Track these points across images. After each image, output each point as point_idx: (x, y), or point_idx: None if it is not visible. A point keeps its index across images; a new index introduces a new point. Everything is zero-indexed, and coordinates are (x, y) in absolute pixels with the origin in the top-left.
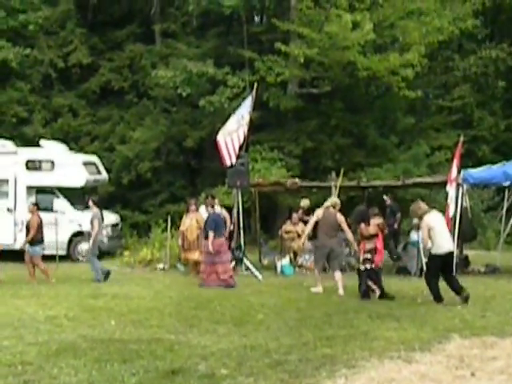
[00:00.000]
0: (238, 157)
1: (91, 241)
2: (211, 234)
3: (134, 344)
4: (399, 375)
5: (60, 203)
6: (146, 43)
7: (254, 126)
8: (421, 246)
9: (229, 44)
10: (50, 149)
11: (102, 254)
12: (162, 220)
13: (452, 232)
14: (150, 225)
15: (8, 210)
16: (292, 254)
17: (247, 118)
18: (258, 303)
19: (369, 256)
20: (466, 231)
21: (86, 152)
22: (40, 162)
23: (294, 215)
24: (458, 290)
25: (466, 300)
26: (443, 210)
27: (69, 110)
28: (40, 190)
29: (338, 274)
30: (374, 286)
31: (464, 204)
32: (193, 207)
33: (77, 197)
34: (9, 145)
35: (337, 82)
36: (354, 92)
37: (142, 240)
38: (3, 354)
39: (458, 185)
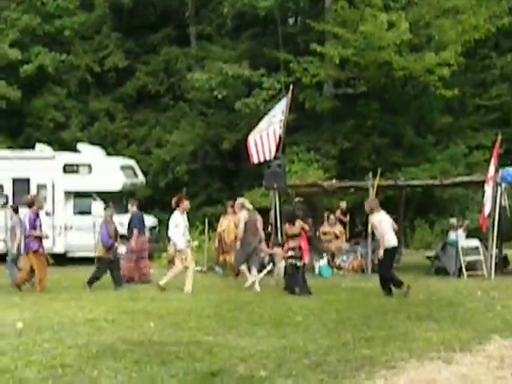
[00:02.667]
0: (265, 158)
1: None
2: (135, 232)
3: (172, 346)
4: (439, 376)
5: (98, 207)
6: (182, 46)
7: (290, 128)
8: (459, 245)
9: (264, 46)
10: (88, 153)
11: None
12: (199, 222)
13: (491, 231)
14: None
15: (46, 213)
16: (330, 255)
17: (279, 117)
18: (296, 305)
19: (292, 253)
20: (505, 230)
21: (123, 156)
22: (77, 166)
23: (332, 216)
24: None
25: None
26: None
27: (105, 114)
28: (78, 194)
29: (254, 271)
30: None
31: (503, 203)
32: (230, 209)
33: (115, 200)
34: (47, 149)
35: (373, 82)
36: (390, 92)
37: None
38: (44, 356)
39: (497, 184)
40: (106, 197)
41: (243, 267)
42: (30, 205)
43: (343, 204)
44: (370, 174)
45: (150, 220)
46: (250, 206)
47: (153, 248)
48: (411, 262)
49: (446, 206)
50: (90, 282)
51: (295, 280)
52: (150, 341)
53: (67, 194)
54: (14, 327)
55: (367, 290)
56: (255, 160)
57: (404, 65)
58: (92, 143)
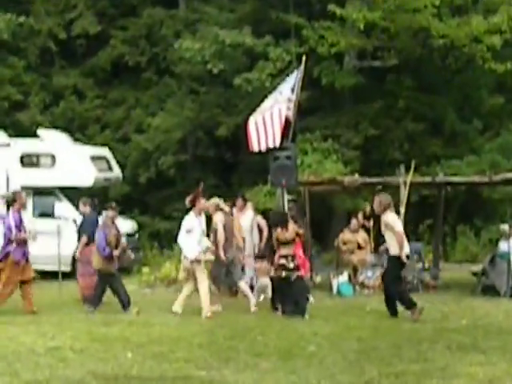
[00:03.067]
0: (268, 146)
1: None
2: (84, 239)
3: (155, 382)
4: None
5: (63, 208)
6: (168, 7)
7: (302, 110)
8: None
9: (270, 7)
10: (51, 140)
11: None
12: None
13: None
14: (173, 234)
15: None
16: (351, 270)
17: (287, 95)
18: (308, 331)
19: (284, 262)
20: None
21: (95, 144)
22: (38, 156)
23: (354, 221)
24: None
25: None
26: None
27: (73, 92)
28: (38, 192)
29: (245, 287)
30: (276, 304)
31: None
32: (231, 209)
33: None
34: (0, 135)
35: (405, 54)
36: (428, 65)
37: (165, 253)
38: None
39: None
40: (73, 194)
41: (242, 284)
42: (10, 202)
43: (367, 206)
44: (402, 168)
45: (127, 224)
46: (227, 208)
47: (131, 260)
48: (452, 278)
49: (495, 209)
50: (93, 303)
51: (282, 296)
52: (126, 375)
53: (25, 190)
54: None
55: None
56: (255, 148)
57: (444, 32)
58: (56, 128)
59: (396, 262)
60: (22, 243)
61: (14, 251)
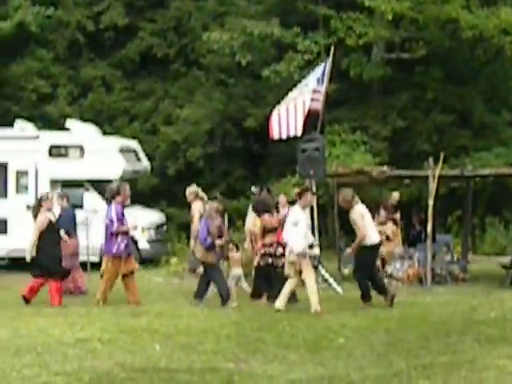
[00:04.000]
0: (288, 134)
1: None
2: (62, 233)
3: (183, 374)
4: None
5: (91, 199)
6: None
7: (331, 102)
8: None
9: None
10: (79, 132)
11: (143, 261)
12: None
13: None
14: None
15: (28, 207)
16: (380, 262)
17: (313, 86)
18: (337, 323)
19: (270, 250)
20: None
21: (123, 135)
22: (66, 148)
23: (382, 212)
24: (381, 289)
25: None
26: None
27: (101, 84)
28: (67, 184)
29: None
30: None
31: None
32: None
33: None
34: (28, 128)
35: (434, 45)
36: (456, 57)
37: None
38: None
39: None
40: (102, 186)
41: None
42: (114, 195)
43: (396, 195)
44: (431, 160)
45: (155, 216)
46: (205, 196)
47: (159, 251)
48: (481, 271)
49: None
50: (199, 296)
51: (269, 284)
52: (154, 367)
53: (54, 182)
54: None
55: (425, 306)
56: (275, 135)
57: (473, 23)
58: (84, 120)
59: (368, 253)
60: (124, 236)
61: (115, 244)
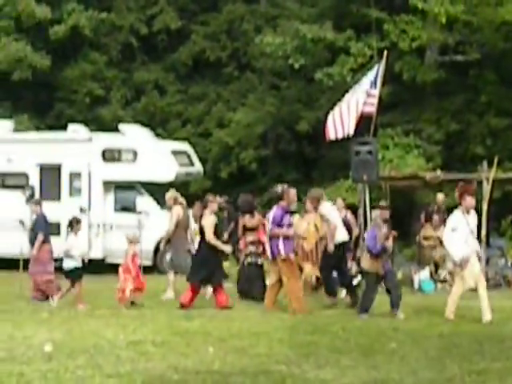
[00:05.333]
0: (343, 134)
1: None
2: (41, 237)
3: (236, 376)
4: None
5: (144, 202)
6: (248, 2)
7: (384, 105)
8: None
9: (351, 1)
10: (132, 135)
11: None
12: None
13: None
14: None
15: (81, 210)
16: (433, 266)
17: (366, 88)
18: (389, 327)
19: (253, 249)
20: None
21: (176, 138)
22: (119, 151)
23: (435, 217)
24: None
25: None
26: None
27: (154, 87)
28: (120, 186)
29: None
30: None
31: None
32: (310, 206)
33: (164, 194)
34: (81, 130)
35: (488, 48)
36: (510, 59)
37: None
38: None
39: None
40: (155, 189)
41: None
42: (278, 198)
43: (441, 196)
44: (485, 164)
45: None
46: (184, 201)
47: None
48: None
49: None
50: (363, 309)
51: (251, 281)
52: (208, 370)
53: (107, 185)
54: (41, 350)
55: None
56: (331, 136)
57: None
58: (137, 123)
59: (335, 249)
60: (288, 239)
61: (278, 246)
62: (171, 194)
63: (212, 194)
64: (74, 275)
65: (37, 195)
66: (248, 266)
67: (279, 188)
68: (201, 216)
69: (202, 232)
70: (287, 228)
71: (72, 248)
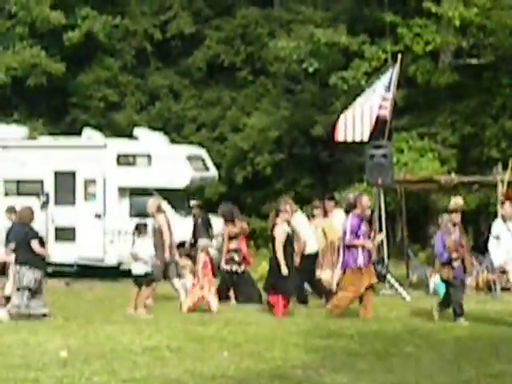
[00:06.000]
0: (354, 138)
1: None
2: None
3: (252, 381)
4: None
5: None
6: (263, 6)
7: (398, 108)
8: None
9: (365, 5)
10: (147, 140)
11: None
12: None
13: None
14: None
15: (96, 215)
16: None
17: (381, 92)
18: (405, 331)
19: (235, 257)
20: None
21: (191, 143)
22: (134, 156)
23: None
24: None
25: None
26: None
27: (169, 92)
28: (134, 192)
29: (177, 284)
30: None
31: None
32: (318, 211)
33: (180, 199)
34: (96, 136)
35: (502, 51)
36: None
37: (261, 252)
38: None
39: None
40: (170, 195)
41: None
42: (351, 207)
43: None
44: (500, 167)
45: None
46: (166, 209)
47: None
48: None
49: None
50: (458, 315)
51: (234, 287)
52: (223, 375)
53: (121, 190)
54: (57, 356)
55: (495, 314)
56: (340, 137)
57: None
58: (152, 128)
59: (308, 261)
60: (365, 249)
61: (352, 257)
62: (154, 202)
63: (284, 201)
64: (144, 280)
65: (51, 201)
66: (226, 273)
67: (351, 196)
68: (273, 226)
69: (273, 242)
70: (364, 238)
71: (139, 252)
